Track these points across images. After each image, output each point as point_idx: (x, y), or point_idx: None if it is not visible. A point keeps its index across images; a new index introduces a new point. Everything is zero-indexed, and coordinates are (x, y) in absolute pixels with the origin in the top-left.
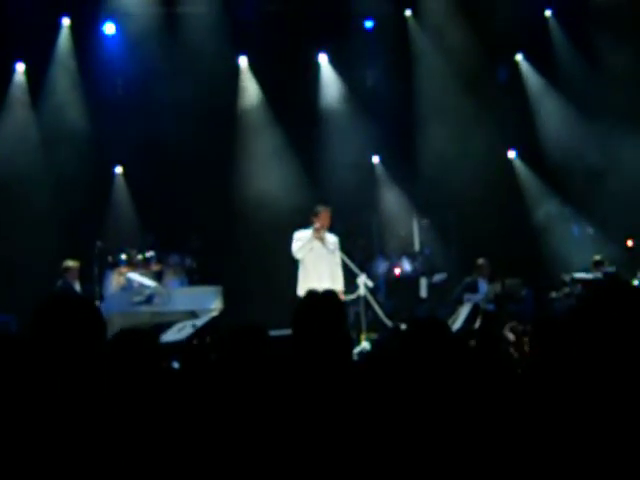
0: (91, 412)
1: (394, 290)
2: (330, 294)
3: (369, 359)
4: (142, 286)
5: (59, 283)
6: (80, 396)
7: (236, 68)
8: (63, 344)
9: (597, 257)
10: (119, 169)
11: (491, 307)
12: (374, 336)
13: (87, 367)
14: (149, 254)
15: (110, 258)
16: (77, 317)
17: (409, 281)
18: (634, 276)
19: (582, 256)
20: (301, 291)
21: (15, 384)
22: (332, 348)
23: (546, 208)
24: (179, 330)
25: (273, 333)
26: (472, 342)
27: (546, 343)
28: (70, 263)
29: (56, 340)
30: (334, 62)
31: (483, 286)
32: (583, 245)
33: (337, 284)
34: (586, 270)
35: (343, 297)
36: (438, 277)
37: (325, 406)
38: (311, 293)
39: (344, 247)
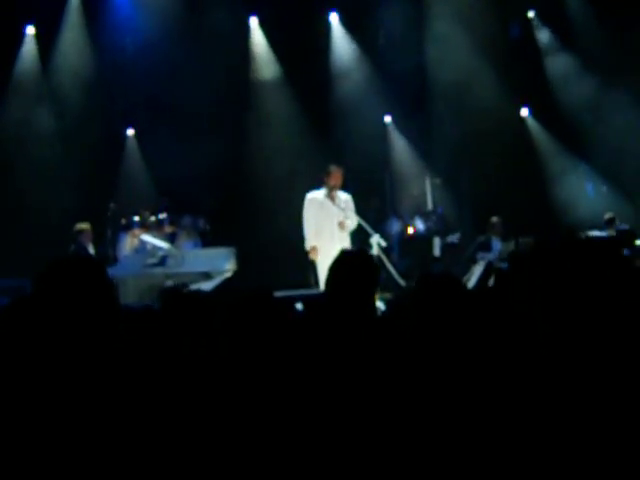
0: (104, 373)
1: (407, 250)
2: (364, 252)
3: (384, 318)
4: (155, 248)
5: (73, 246)
6: (93, 358)
7: (247, 28)
8: (69, 306)
9: (609, 215)
10: (131, 131)
11: (505, 266)
12: (388, 296)
13: (97, 328)
14: (162, 216)
15: (123, 220)
16: (82, 278)
17: (422, 240)
18: None
19: (596, 214)
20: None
21: (28, 347)
22: (365, 307)
23: None
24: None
25: (286, 293)
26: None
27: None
28: (83, 225)
29: (62, 302)
30: (345, 21)
31: (496, 244)
32: (597, 203)
33: (345, 245)
34: (600, 228)
35: None
36: (452, 237)
37: (344, 363)
38: (345, 252)
39: (357, 207)
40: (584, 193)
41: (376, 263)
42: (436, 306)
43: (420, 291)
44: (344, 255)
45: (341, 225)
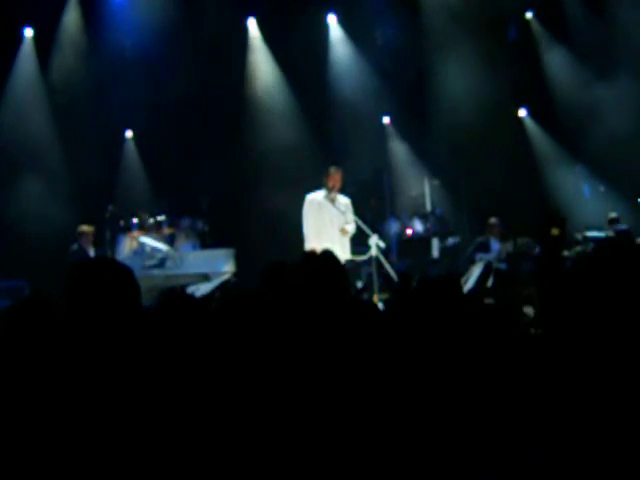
0: (130, 375)
1: (406, 251)
2: (328, 254)
3: (384, 318)
4: (154, 250)
5: (74, 247)
6: (119, 359)
7: (245, 30)
8: (100, 309)
9: (612, 215)
10: (129, 133)
11: (503, 266)
12: (387, 297)
13: (124, 332)
14: (161, 218)
15: (122, 222)
16: (115, 283)
17: (421, 242)
18: None
19: (594, 214)
20: None
21: (51, 349)
22: (334, 306)
23: None
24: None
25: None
26: (486, 300)
27: (553, 300)
28: (85, 228)
29: (93, 305)
30: (343, 22)
31: (495, 245)
32: (594, 203)
33: (345, 246)
34: (598, 228)
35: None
36: (451, 240)
37: (330, 358)
38: (308, 255)
39: (355, 208)
40: (580, 193)
41: (338, 260)
42: (433, 306)
43: (418, 292)
44: (307, 257)
45: (342, 231)
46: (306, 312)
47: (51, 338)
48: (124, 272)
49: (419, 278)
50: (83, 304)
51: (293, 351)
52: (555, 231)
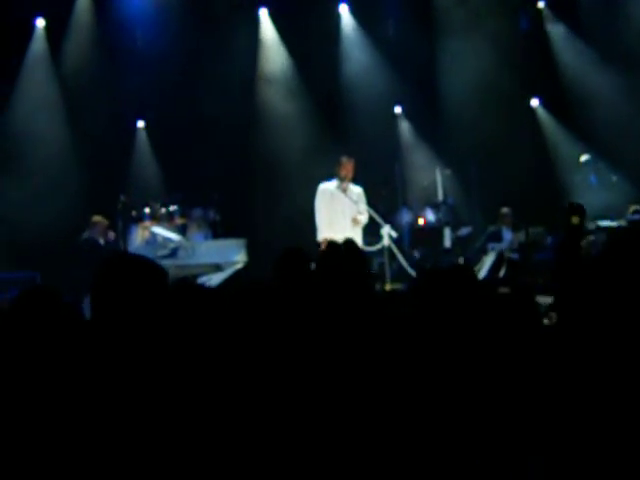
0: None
1: (418, 240)
2: (350, 243)
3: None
4: (166, 240)
5: (84, 235)
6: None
7: (256, 20)
8: (129, 305)
9: (635, 207)
10: (141, 123)
11: (515, 256)
12: (399, 286)
13: (151, 329)
14: (173, 208)
15: (134, 212)
16: (147, 280)
17: (433, 231)
18: None
19: (604, 203)
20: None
21: (58, 340)
22: (356, 295)
23: None
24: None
25: None
26: (501, 290)
27: (571, 290)
28: (98, 218)
29: (122, 301)
30: (355, 12)
31: (507, 235)
32: (606, 193)
33: (358, 236)
34: (611, 218)
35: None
36: (464, 230)
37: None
38: (332, 244)
39: (367, 198)
40: (587, 182)
41: (362, 252)
42: (448, 295)
43: (430, 282)
44: (331, 246)
45: (354, 221)
46: (325, 303)
47: (57, 328)
48: (159, 272)
49: (431, 267)
50: (114, 299)
51: (308, 343)
52: (575, 219)
